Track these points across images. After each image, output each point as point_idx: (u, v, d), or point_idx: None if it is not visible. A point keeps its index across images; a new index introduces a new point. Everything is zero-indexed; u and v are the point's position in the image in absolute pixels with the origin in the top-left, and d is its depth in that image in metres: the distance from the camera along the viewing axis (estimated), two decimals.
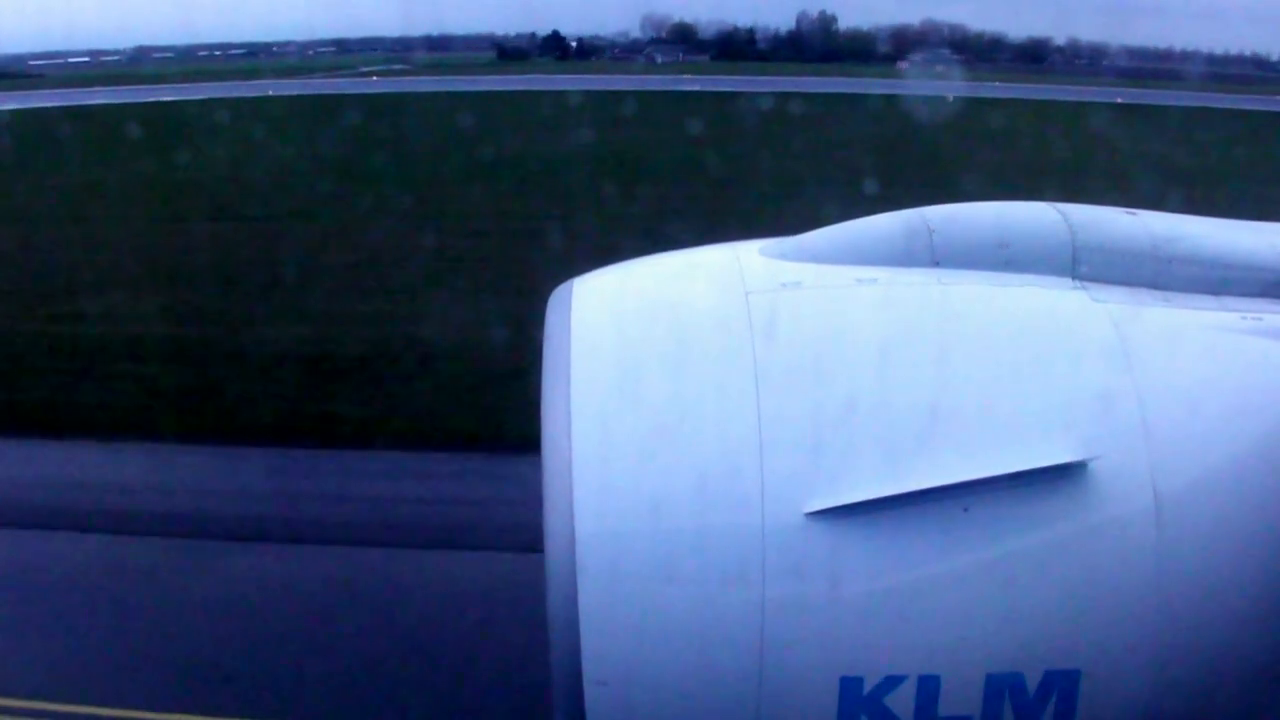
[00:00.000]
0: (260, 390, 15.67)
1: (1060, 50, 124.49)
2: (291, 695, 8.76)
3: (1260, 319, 3.41)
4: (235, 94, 68.94)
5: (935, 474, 2.99)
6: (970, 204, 3.76)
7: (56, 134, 46.89)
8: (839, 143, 40.84)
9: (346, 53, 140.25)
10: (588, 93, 60.77)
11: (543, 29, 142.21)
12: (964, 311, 3.38)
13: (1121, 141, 38.32)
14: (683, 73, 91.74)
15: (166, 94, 67.97)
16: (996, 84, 71.24)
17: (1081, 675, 3.06)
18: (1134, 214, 3.76)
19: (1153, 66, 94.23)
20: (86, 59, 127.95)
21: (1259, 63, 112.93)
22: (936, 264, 3.51)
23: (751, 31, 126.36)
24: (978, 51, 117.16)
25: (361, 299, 20.28)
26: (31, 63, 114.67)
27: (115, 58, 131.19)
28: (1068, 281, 3.49)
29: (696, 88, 68.40)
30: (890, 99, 54.34)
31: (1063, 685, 3.06)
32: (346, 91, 72.91)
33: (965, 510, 3.01)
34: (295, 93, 72.61)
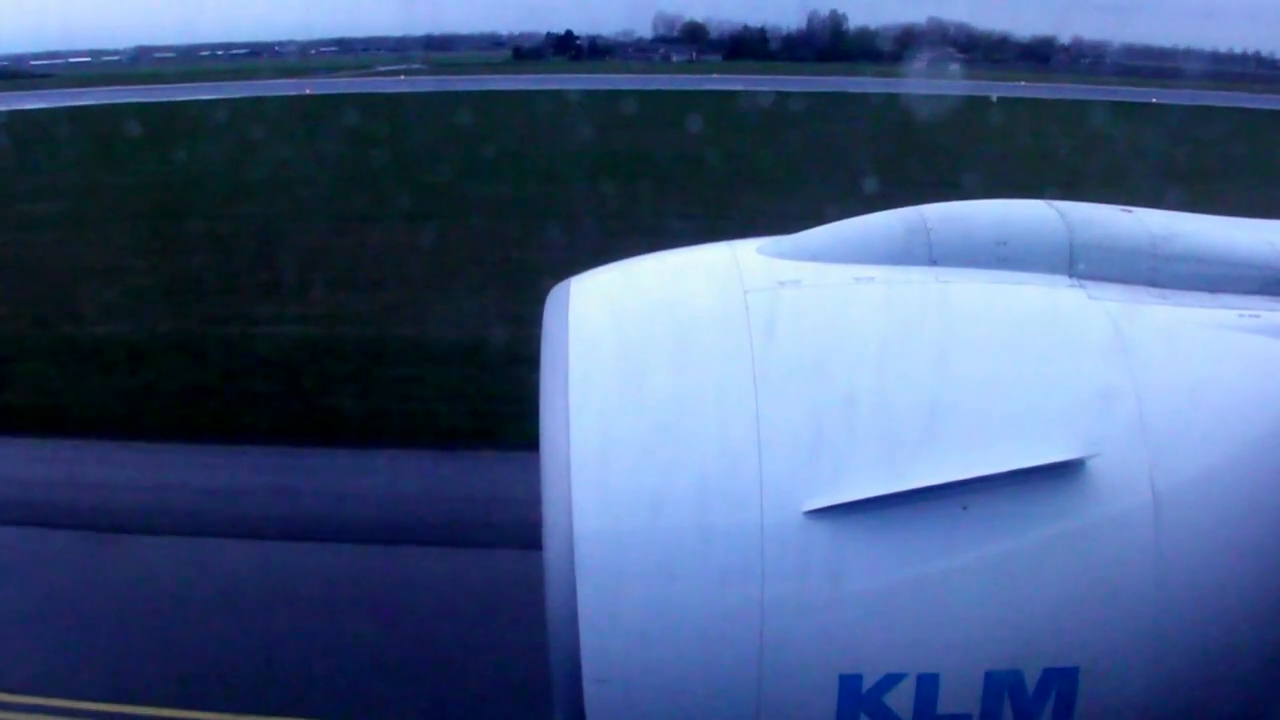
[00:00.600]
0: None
1: (1065, 49, 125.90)
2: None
3: (1258, 316, 3.41)
4: (277, 92, 69.19)
5: (934, 472, 3.00)
6: (968, 202, 3.79)
7: (168, 129, 47.44)
8: (904, 141, 40.92)
9: (349, 52, 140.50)
10: (634, 93, 61.14)
11: (544, 28, 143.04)
12: (962, 310, 3.40)
13: (1179, 142, 38.31)
14: (705, 72, 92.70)
15: (206, 92, 68.45)
16: (1022, 83, 72.06)
17: (1080, 673, 3.07)
18: (1131, 211, 3.78)
19: (1160, 65, 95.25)
20: (87, 59, 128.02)
21: (1260, 61, 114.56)
22: (934, 262, 3.52)
23: (762, 31, 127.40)
24: (985, 50, 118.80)
25: None
26: (32, 63, 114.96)
27: (115, 58, 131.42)
28: (1065, 279, 3.50)
29: (736, 87, 68.47)
30: (935, 99, 53.69)
31: (1062, 683, 3.07)
32: (388, 90, 73.06)
33: (964, 508, 3.02)
34: (337, 91, 73.03)
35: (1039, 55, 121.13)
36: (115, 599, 10.39)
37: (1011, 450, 3.02)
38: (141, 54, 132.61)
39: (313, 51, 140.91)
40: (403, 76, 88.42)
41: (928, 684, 3.02)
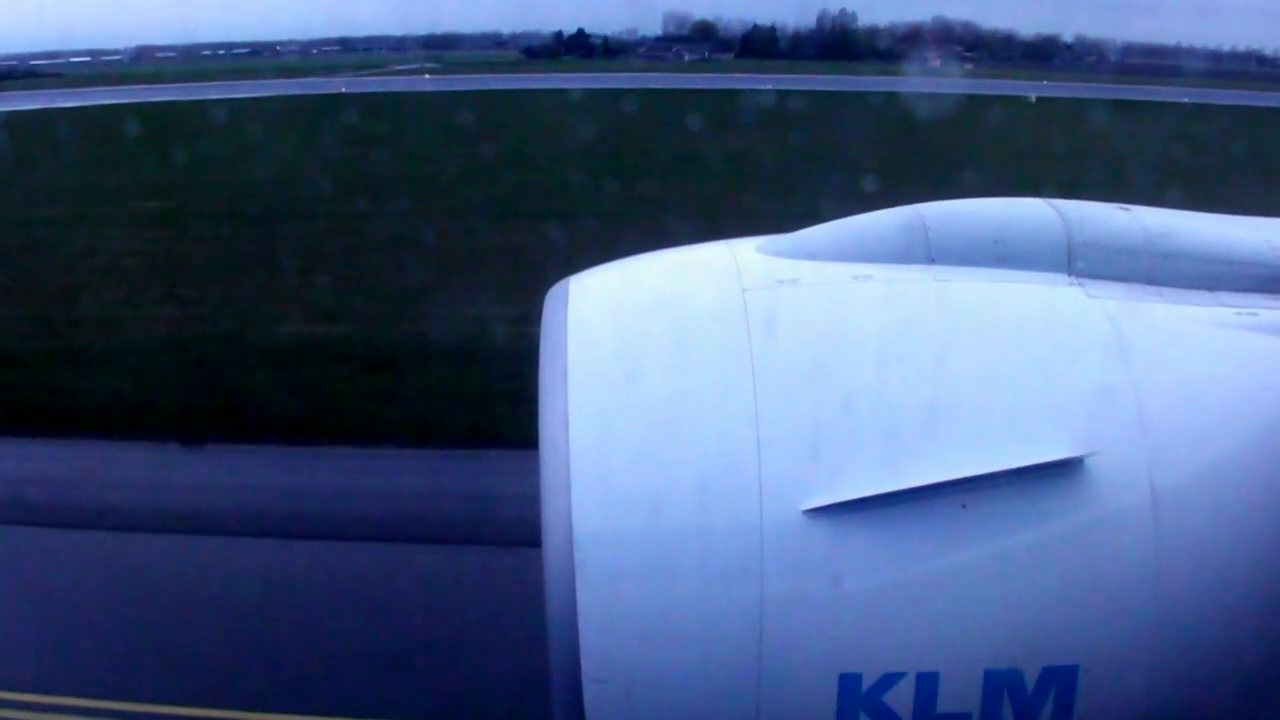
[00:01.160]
0: None
1: (1068, 47, 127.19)
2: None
3: (1255, 314, 3.43)
4: (312, 91, 69.18)
5: (932, 470, 3.02)
6: (966, 200, 3.80)
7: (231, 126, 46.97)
8: (975, 145, 40.39)
9: (351, 51, 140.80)
10: (676, 92, 61.83)
11: (544, 27, 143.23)
12: (960, 308, 3.42)
13: (1242, 143, 37.96)
14: (723, 71, 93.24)
15: (241, 91, 68.46)
16: (1045, 83, 71.61)
17: (1080, 671, 3.08)
18: (1129, 209, 3.79)
19: (1170, 64, 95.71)
20: (87, 59, 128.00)
21: (1260, 59, 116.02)
22: (932, 260, 3.54)
23: (773, 29, 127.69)
24: (991, 49, 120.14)
25: None
26: (32, 63, 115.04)
27: (117, 57, 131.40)
28: (1063, 278, 3.51)
29: (766, 86, 67.71)
30: (978, 100, 54.68)
31: (1061, 681, 3.08)
32: (426, 89, 72.79)
33: (963, 507, 3.04)
34: (372, 90, 73.19)
35: (1043, 54, 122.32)
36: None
37: (1010, 449, 3.04)
38: (142, 54, 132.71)
39: (314, 51, 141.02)
40: (428, 75, 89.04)
41: (927, 683, 3.05)
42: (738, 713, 3.12)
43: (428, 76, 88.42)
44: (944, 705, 3.08)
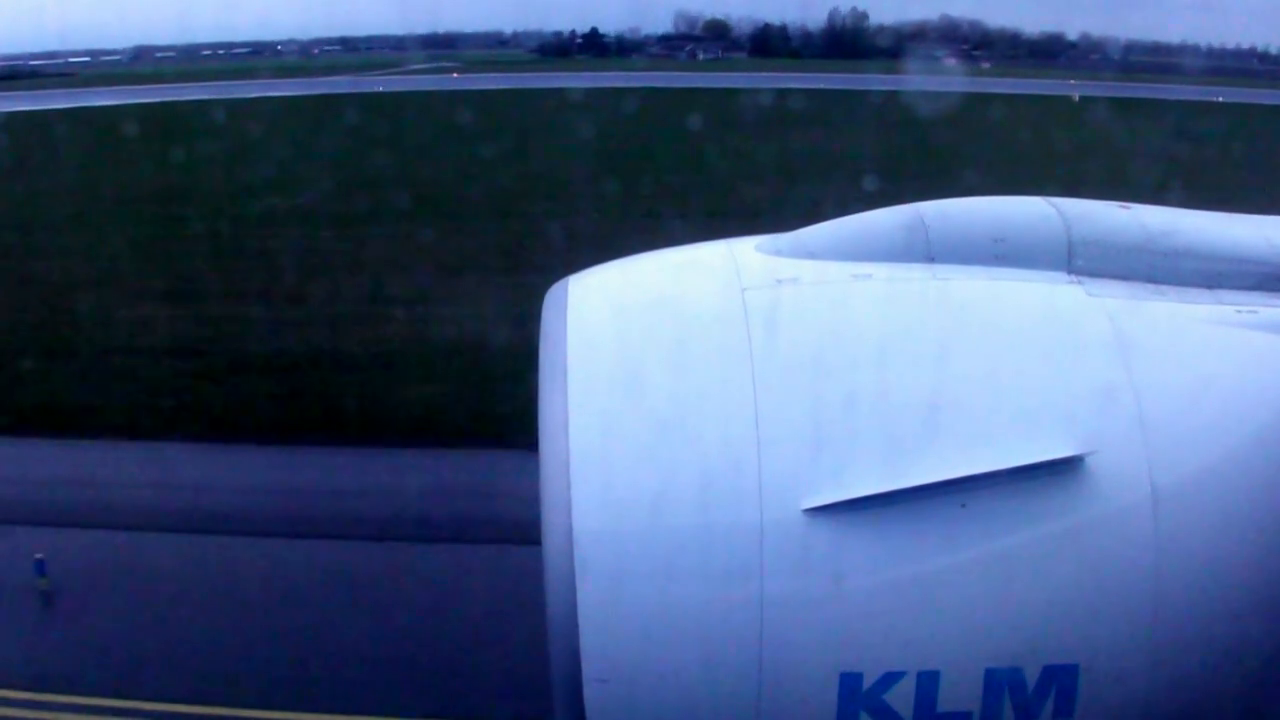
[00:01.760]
0: None
1: (1073, 45, 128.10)
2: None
3: (1256, 312, 3.43)
4: (354, 90, 69.86)
5: (932, 470, 3.02)
6: (965, 199, 3.79)
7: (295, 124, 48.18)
8: (1029, 141, 40.64)
9: (352, 51, 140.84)
10: (713, 91, 62.18)
11: (546, 26, 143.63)
12: (960, 307, 3.42)
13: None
14: (740, 70, 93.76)
15: (274, 89, 69.00)
16: (1072, 82, 71.67)
17: (1080, 670, 3.08)
18: (1129, 208, 3.79)
19: (1173, 61, 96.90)
20: (86, 59, 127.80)
21: (1262, 56, 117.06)
22: (932, 259, 3.53)
23: (784, 28, 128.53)
24: (998, 48, 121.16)
25: None
26: (31, 63, 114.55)
27: (116, 57, 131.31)
28: (1063, 276, 3.51)
29: (795, 85, 68.53)
30: (1016, 99, 54.89)
31: (1062, 680, 3.08)
32: (458, 88, 73.00)
33: (963, 506, 3.04)
34: (408, 88, 73.69)
35: (1049, 52, 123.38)
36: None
37: (1010, 447, 3.04)
38: (141, 54, 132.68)
39: (315, 51, 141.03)
40: (456, 75, 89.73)
41: (928, 682, 3.05)
42: (738, 712, 3.12)
43: (456, 75, 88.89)
44: (945, 704, 3.07)
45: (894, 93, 58.30)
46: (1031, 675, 3.08)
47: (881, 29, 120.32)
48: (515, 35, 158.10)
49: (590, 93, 64.66)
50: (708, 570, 3.06)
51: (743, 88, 67.18)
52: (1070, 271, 3.52)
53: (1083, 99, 57.82)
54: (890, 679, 3.06)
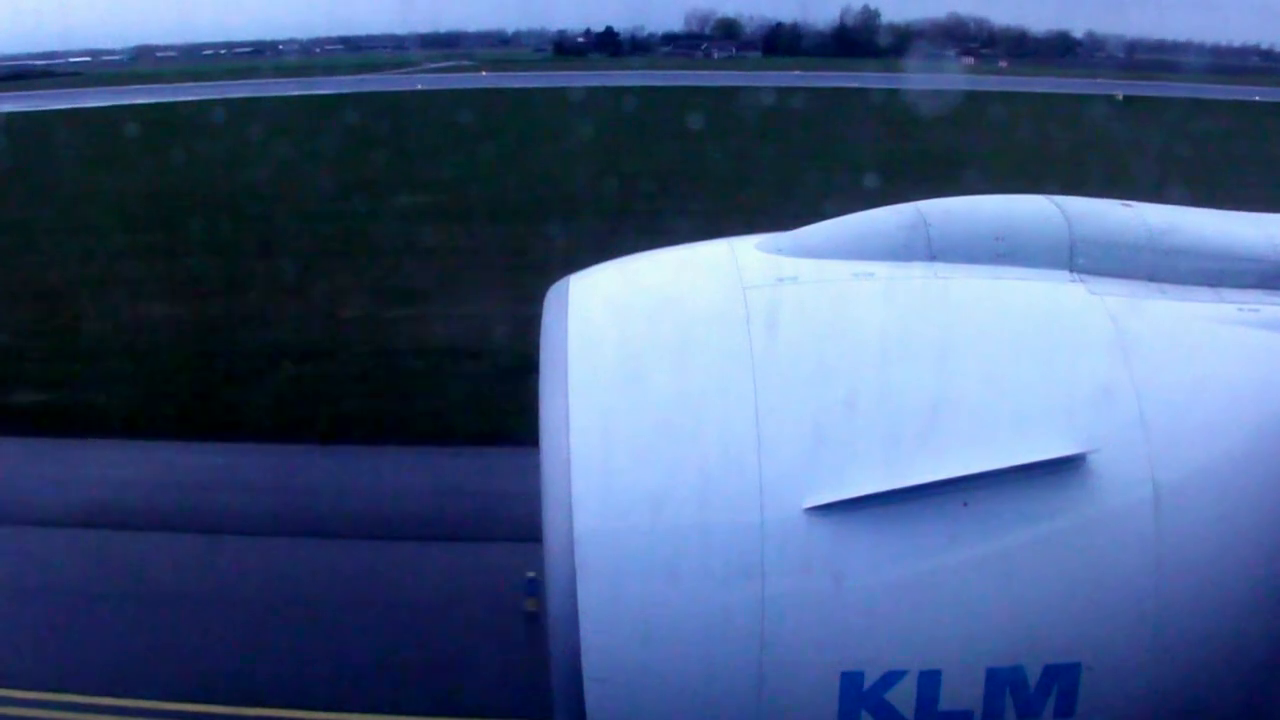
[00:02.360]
0: None
1: (1078, 43, 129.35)
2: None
3: (1257, 311, 3.43)
4: (391, 88, 70.05)
5: (934, 468, 3.02)
6: (967, 197, 3.79)
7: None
8: (1054, 134, 40.78)
9: (355, 50, 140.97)
10: (749, 89, 61.83)
11: (552, 25, 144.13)
12: (962, 305, 3.42)
13: None
14: (761, 69, 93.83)
15: (301, 88, 68.96)
16: (1099, 80, 72.26)
17: (1082, 668, 3.08)
18: (1130, 206, 3.79)
19: (1180, 59, 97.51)
20: (86, 59, 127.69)
21: (1264, 54, 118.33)
22: (933, 258, 3.53)
23: (796, 26, 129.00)
24: (1005, 45, 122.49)
25: None
26: (39, 63, 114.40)
27: (117, 57, 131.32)
28: (1065, 274, 3.51)
29: (824, 84, 68.70)
30: (1058, 98, 54.67)
31: (1063, 678, 3.08)
32: (499, 86, 72.82)
33: (965, 505, 3.04)
34: (448, 86, 73.67)
35: (1056, 50, 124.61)
36: None
37: (1012, 446, 3.04)
38: (141, 53, 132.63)
39: (316, 50, 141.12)
40: (484, 72, 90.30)
41: (929, 681, 3.05)
42: (739, 711, 3.12)
43: (484, 73, 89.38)
44: (946, 703, 3.07)
45: (934, 92, 57.26)
46: (1033, 674, 3.08)
47: (893, 28, 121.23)
48: (516, 34, 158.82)
49: (636, 91, 64.76)
50: (709, 569, 3.06)
51: (780, 86, 66.80)
52: (1072, 270, 3.53)
53: (1126, 98, 58.07)
54: (891, 678, 3.06)
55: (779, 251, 3.68)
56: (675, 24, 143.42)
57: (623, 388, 3.29)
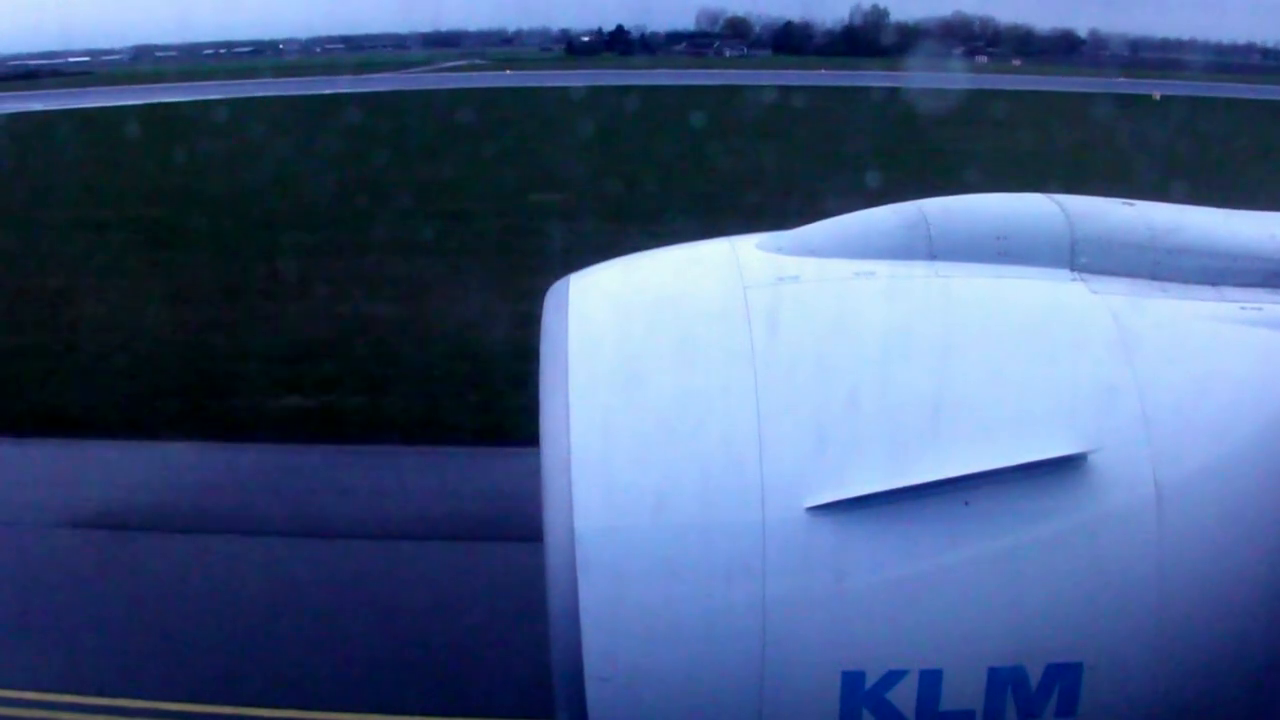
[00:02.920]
0: None
1: (1082, 42, 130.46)
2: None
3: (1260, 309, 3.43)
4: (426, 86, 69.62)
5: (935, 468, 3.02)
6: (967, 196, 3.79)
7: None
8: (1094, 134, 40.85)
9: (356, 50, 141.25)
10: (776, 87, 61.30)
11: (554, 24, 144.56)
12: (963, 304, 3.42)
13: None
14: (775, 68, 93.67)
15: (325, 86, 68.36)
16: (1121, 80, 71.99)
17: (1084, 668, 3.08)
18: (1132, 205, 3.79)
19: (1186, 57, 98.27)
20: (86, 59, 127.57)
21: (1265, 52, 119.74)
22: (934, 257, 3.53)
23: (806, 25, 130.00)
24: (1010, 44, 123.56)
25: None
26: (31, 63, 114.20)
27: (117, 57, 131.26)
28: (1066, 273, 3.50)
29: (849, 83, 68.58)
30: (1092, 98, 54.42)
31: (1065, 678, 3.08)
32: (531, 84, 72.47)
33: (966, 504, 3.04)
34: (483, 85, 73.32)
35: (1061, 49, 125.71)
36: None
37: (1014, 445, 3.04)
38: (140, 53, 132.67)
39: (317, 50, 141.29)
40: (508, 71, 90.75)
41: (930, 680, 3.05)
42: (741, 710, 3.12)
43: (509, 72, 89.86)
44: (947, 703, 3.07)
45: (964, 92, 56.16)
46: (1034, 674, 3.08)
47: (902, 27, 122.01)
48: (518, 34, 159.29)
49: (676, 90, 64.90)
50: (710, 568, 3.06)
51: (812, 86, 67.17)
52: (1073, 269, 3.53)
53: (1164, 98, 57.86)
54: (893, 677, 3.06)
55: (780, 250, 3.70)
56: (677, 22, 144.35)
57: (623, 387, 3.30)
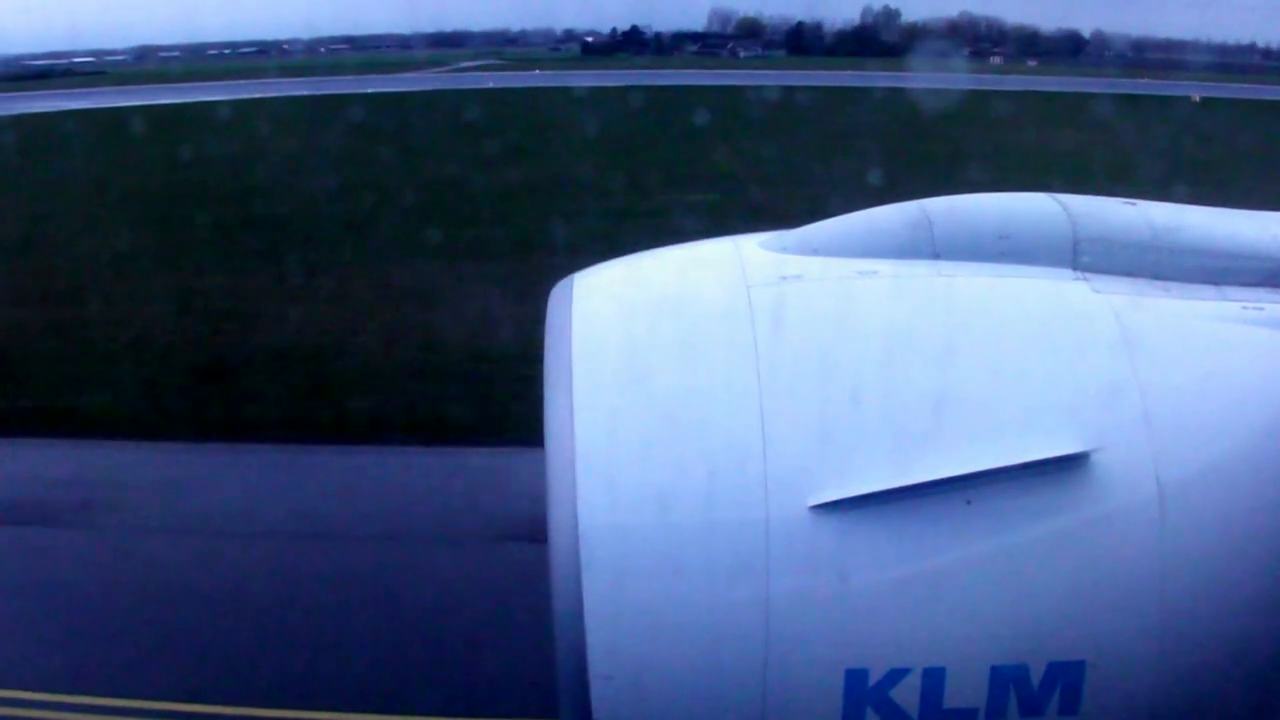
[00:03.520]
0: None
1: (1086, 42, 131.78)
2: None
3: (1262, 309, 3.44)
4: (463, 85, 69.48)
5: (938, 466, 3.03)
6: (970, 195, 3.82)
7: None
8: (1142, 135, 39.89)
9: (361, 50, 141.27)
10: (820, 90, 61.87)
11: (560, 24, 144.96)
12: (966, 304, 3.44)
13: None
14: (791, 68, 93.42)
15: (356, 86, 67.97)
16: (1145, 80, 71.73)
17: (1086, 666, 3.10)
18: (1134, 204, 3.81)
19: (1192, 58, 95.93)
20: (90, 59, 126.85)
21: (1267, 53, 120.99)
22: (937, 256, 3.56)
23: (819, 26, 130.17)
24: (1018, 45, 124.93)
25: None
26: (35, 63, 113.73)
27: (121, 57, 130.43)
28: (1068, 272, 3.52)
29: (874, 83, 68.00)
30: (1129, 99, 54.24)
31: (1067, 676, 3.10)
32: (565, 84, 71.95)
33: (968, 503, 3.05)
34: (521, 84, 73.14)
35: (1067, 49, 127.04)
36: None
37: (1016, 444, 3.06)
38: (144, 53, 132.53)
39: (321, 50, 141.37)
40: (538, 70, 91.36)
41: (934, 678, 3.07)
42: (744, 708, 3.14)
43: (538, 72, 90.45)
44: (950, 700, 3.09)
45: (991, 94, 57.29)
46: (1037, 672, 3.09)
47: (914, 27, 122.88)
48: (523, 34, 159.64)
49: (720, 91, 64.58)
50: (714, 567, 3.08)
51: (843, 86, 66.99)
52: (1076, 268, 3.54)
53: (1204, 100, 57.81)
54: (896, 675, 3.08)
55: (783, 249, 3.71)
56: (683, 23, 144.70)
57: (628, 385, 3.31)
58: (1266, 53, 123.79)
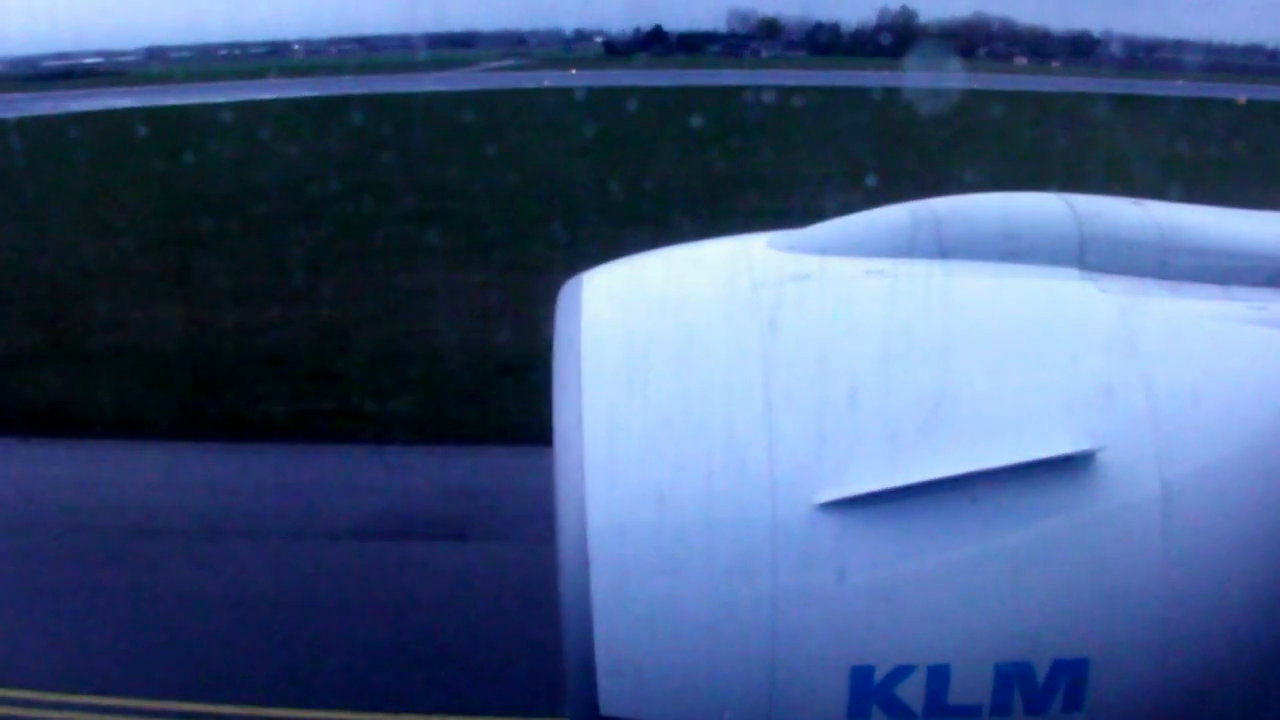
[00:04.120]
0: None
1: (1098, 42, 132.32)
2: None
3: (1266, 309, 3.45)
4: (509, 85, 69.00)
5: (943, 465, 3.05)
6: (976, 195, 3.84)
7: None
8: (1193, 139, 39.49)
9: (371, 50, 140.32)
10: (858, 89, 61.34)
11: (569, 24, 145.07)
12: (971, 303, 3.46)
13: None
14: (812, 68, 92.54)
15: (391, 86, 67.48)
16: (1180, 83, 70.99)
17: (1090, 664, 3.12)
18: (1140, 204, 3.83)
19: (1198, 59, 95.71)
20: (99, 59, 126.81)
21: (1272, 54, 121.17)
22: (943, 255, 3.58)
23: (837, 26, 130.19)
24: (1030, 45, 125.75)
25: None
26: (51, 64, 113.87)
27: (130, 58, 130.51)
28: (1074, 272, 3.54)
29: (905, 83, 65.20)
30: (1169, 101, 54.20)
31: (1071, 674, 3.12)
32: (594, 84, 71.59)
33: (972, 501, 3.07)
34: (557, 84, 72.48)
35: (1079, 50, 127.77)
36: None
37: (1020, 443, 3.07)
38: (154, 54, 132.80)
39: (332, 50, 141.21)
40: (573, 70, 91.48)
41: (938, 675, 3.09)
42: (750, 705, 3.17)
43: (573, 72, 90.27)
44: (955, 698, 3.11)
45: (1029, 95, 56.79)
46: (1041, 669, 3.11)
47: (932, 26, 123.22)
48: (533, 34, 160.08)
49: (768, 89, 64.42)
50: (720, 565, 3.11)
51: (880, 85, 64.34)
52: (1082, 268, 3.55)
53: (1250, 102, 57.61)
54: (901, 672, 3.10)
55: (789, 249, 3.73)
56: (697, 23, 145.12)
57: (634, 385, 3.33)
58: (1272, 54, 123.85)
